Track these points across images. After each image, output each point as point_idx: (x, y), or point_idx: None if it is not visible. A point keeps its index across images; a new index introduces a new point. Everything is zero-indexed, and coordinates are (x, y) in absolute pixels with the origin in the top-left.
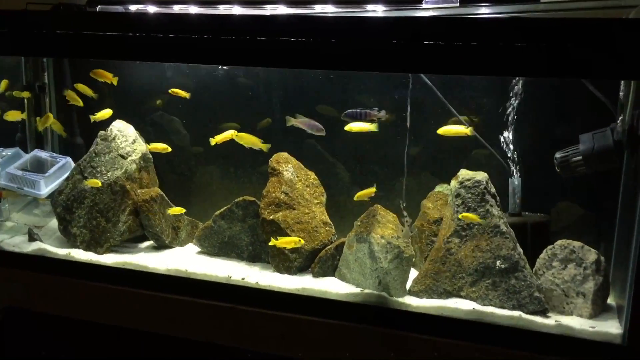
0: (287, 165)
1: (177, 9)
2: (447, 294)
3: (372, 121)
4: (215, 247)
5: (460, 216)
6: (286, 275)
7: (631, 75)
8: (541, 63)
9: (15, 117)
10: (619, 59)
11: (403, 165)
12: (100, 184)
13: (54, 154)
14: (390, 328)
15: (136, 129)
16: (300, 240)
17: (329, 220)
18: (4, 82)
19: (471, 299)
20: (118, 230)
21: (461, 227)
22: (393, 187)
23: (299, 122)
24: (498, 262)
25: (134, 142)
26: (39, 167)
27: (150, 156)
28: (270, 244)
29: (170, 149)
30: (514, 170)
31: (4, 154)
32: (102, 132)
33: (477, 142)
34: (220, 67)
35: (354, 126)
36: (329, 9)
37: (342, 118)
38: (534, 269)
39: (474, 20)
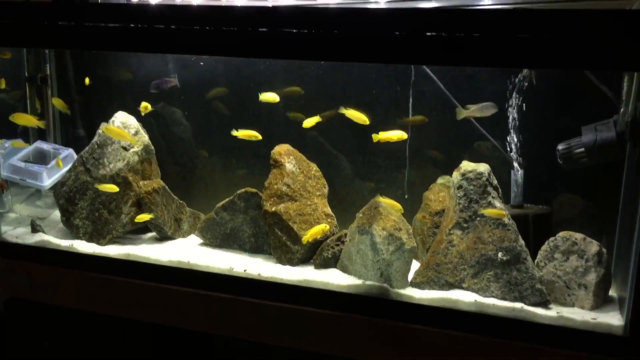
0: (289, 157)
1: (179, 0)
2: (449, 286)
3: (173, 87)
4: (218, 238)
5: (483, 211)
6: (288, 267)
7: (635, 67)
8: (544, 54)
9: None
10: (622, 50)
11: (405, 157)
12: (117, 189)
13: (56, 146)
14: (392, 320)
15: (138, 120)
16: (326, 226)
17: (331, 212)
18: None
19: (473, 290)
20: (120, 221)
21: (463, 219)
22: (395, 179)
23: (473, 111)
24: (500, 254)
25: (136, 133)
26: (42, 158)
27: (152, 148)
28: (304, 241)
29: (150, 108)
30: (516, 162)
31: (6, 145)
32: (104, 124)
33: (480, 134)
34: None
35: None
36: (331, 0)
37: (151, 90)
38: (535, 261)
39: (477, 11)
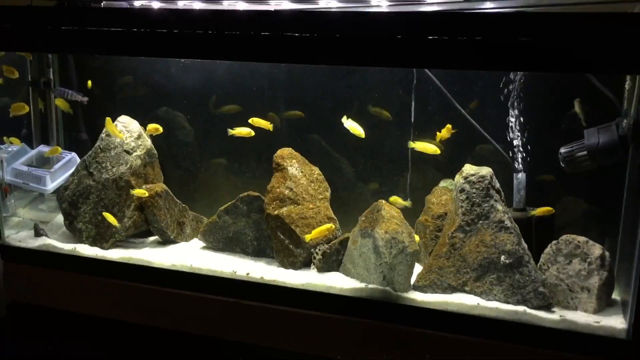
0: (291, 161)
1: (181, 4)
2: (452, 289)
3: (82, 102)
4: (220, 242)
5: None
6: (291, 270)
7: (637, 70)
8: (546, 58)
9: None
10: (624, 53)
11: (407, 160)
12: (147, 194)
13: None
14: (395, 323)
15: (141, 124)
16: (331, 226)
17: (333, 216)
18: None
19: (475, 294)
20: (123, 225)
21: (465, 222)
22: (397, 183)
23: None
24: (502, 257)
25: (138, 137)
26: (45, 162)
27: (155, 152)
28: (307, 239)
29: (161, 130)
30: (519, 165)
31: (9, 149)
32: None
33: (482, 138)
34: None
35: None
36: (333, 4)
37: (52, 93)
38: (538, 264)
39: (478, 15)
